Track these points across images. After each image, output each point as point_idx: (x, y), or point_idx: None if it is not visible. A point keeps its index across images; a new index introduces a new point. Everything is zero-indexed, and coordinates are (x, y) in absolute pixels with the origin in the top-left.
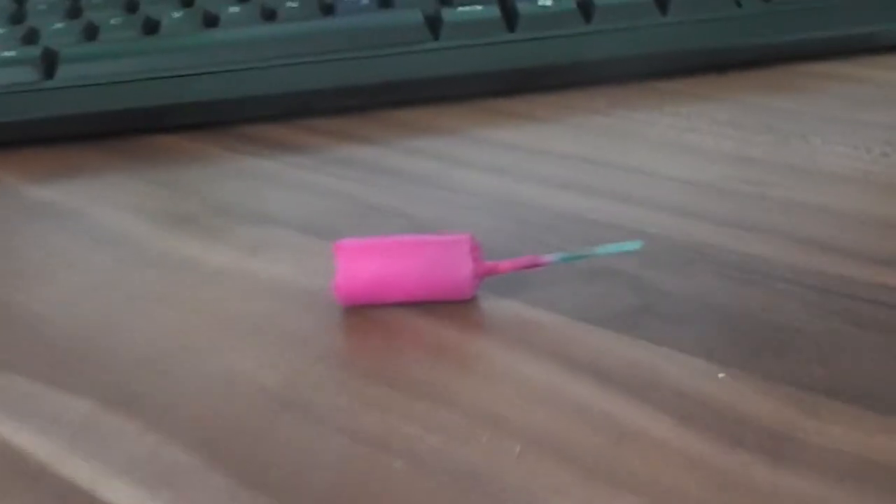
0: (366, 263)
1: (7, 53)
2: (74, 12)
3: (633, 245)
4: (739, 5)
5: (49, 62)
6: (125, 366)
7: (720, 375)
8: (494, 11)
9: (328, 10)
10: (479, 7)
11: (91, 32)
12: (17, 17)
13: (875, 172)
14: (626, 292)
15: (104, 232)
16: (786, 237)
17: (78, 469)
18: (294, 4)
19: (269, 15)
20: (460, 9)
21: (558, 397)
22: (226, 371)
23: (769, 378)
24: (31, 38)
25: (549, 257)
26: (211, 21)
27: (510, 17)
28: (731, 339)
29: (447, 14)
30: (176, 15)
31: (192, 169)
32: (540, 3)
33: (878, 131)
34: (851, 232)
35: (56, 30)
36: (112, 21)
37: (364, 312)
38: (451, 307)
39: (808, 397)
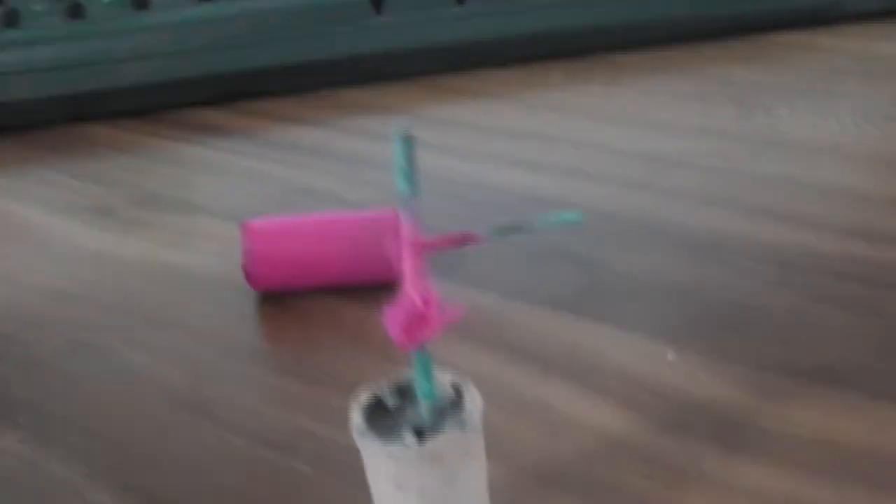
0: (278, 244)
1: None
2: None
3: (572, 216)
4: None
5: None
6: (6, 367)
7: (669, 356)
8: None
9: None
10: None
11: (12, 18)
12: None
13: (845, 144)
14: (572, 271)
15: (14, 227)
16: (747, 210)
17: None
18: None
19: None
20: None
21: (493, 385)
22: (124, 370)
23: (724, 359)
24: None
25: (482, 232)
26: (140, 3)
27: None
28: (683, 318)
29: None
30: None
31: (118, 159)
32: None
33: (848, 102)
34: (817, 204)
35: None
36: (35, 7)
37: (282, 300)
38: (378, 291)
39: (766, 378)
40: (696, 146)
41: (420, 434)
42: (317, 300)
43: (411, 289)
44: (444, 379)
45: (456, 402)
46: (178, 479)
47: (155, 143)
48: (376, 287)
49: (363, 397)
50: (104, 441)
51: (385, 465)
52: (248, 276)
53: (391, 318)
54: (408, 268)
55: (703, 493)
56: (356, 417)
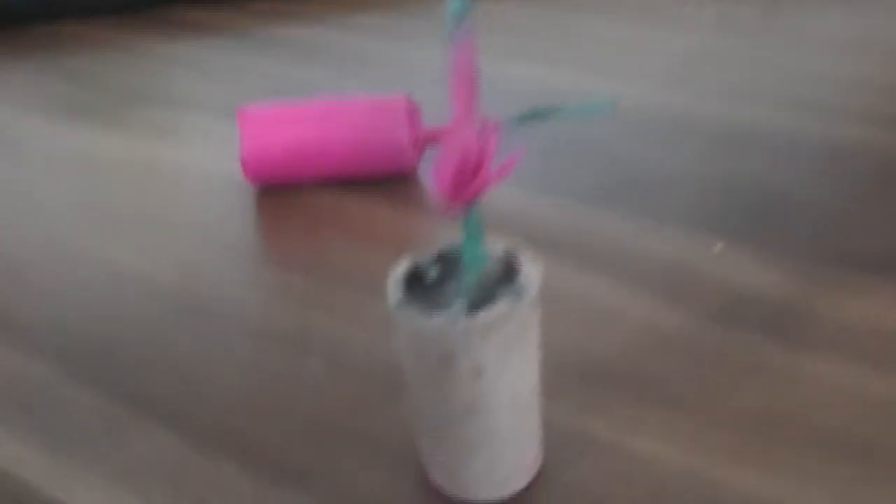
0: (278, 132)
1: None
2: None
3: (605, 103)
4: None
5: None
6: None
7: (716, 249)
8: None
9: None
10: None
11: None
12: None
13: (876, 39)
14: (602, 166)
15: None
16: (780, 102)
17: None
18: None
19: None
20: None
21: None
22: (110, 272)
23: (773, 249)
24: None
25: (502, 118)
26: None
27: None
28: (726, 210)
29: None
30: None
31: (96, 57)
32: None
33: None
34: (855, 96)
35: None
36: None
37: (282, 195)
38: (386, 184)
39: (818, 269)
40: (718, 41)
41: (470, 306)
42: (321, 194)
43: (465, 131)
44: (495, 247)
45: (509, 275)
46: (173, 382)
47: (135, 41)
48: (386, 180)
49: (400, 268)
50: (88, 343)
51: (429, 341)
52: (245, 167)
53: (438, 167)
54: (459, 105)
55: (766, 386)
56: (393, 288)
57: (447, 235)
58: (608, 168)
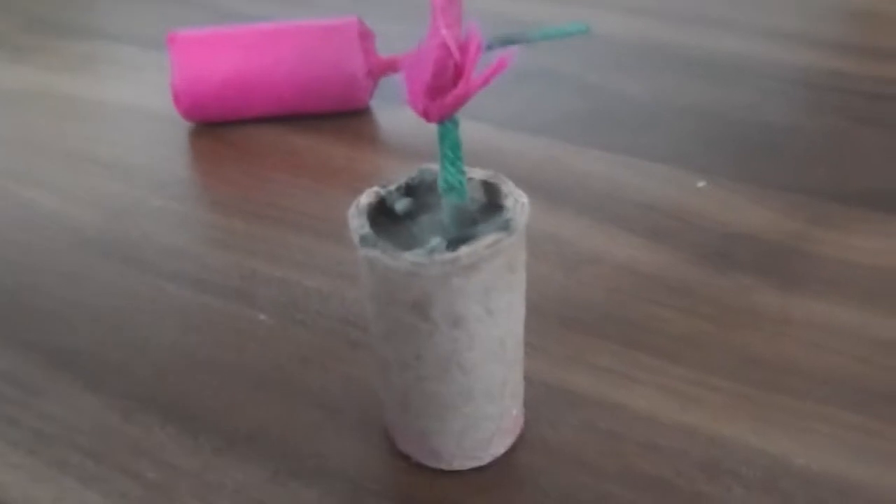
0: (214, 60)
1: None
2: None
3: (578, 27)
4: None
5: None
6: None
7: (700, 184)
8: None
9: None
10: None
11: None
12: None
13: None
14: (572, 96)
15: None
16: (760, 31)
17: None
18: None
19: None
20: None
21: None
22: (25, 214)
23: (763, 184)
24: None
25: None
26: None
27: None
28: (708, 143)
29: None
30: None
31: None
32: None
33: None
34: (839, 24)
35: None
36: None
37: (220, 132)
38: (336, 121)
39: (814, 202)
40: None
41: (449, 243)
42: (264, 131)
43: (443, 30)
44: (473, 175)
45: (490, 208)
46: (96, 338)
47: None
48: (338, 115)
49: (363, 199)
50: (1, 293)
51: (399, 284)
52: (178, 101)
53: (411, 74)
54: (438, 6)
55: (760, 331)
56: (356, 221)
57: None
58: (581, 99)
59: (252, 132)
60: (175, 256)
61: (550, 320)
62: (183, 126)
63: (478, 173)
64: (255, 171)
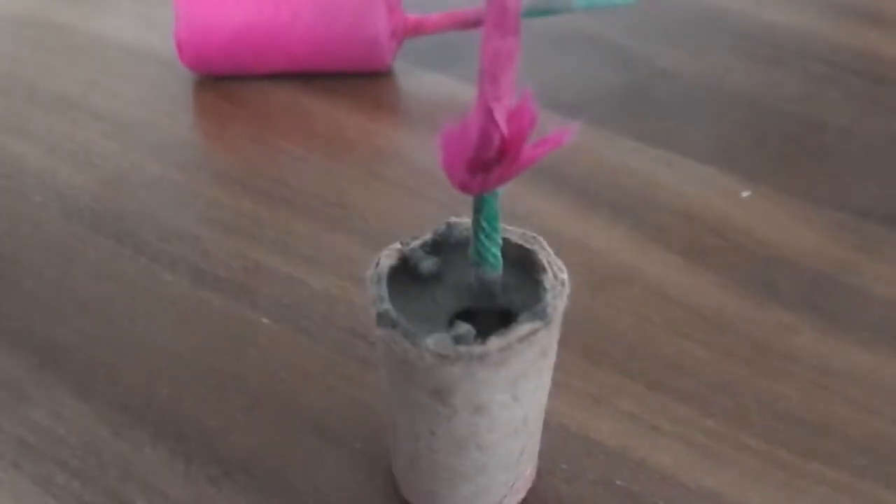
0: (224, 8)
1: None
2: None
3: None
4: None
5: None
6: None
7: (744, 194)
8: None
9: None
10: None
11: None
12: None
13: None
14: (611, 70)
15: None
16: (823, 5)
17: None
18: None
19: None
20: None
21: (513, 219)
22: (15, 170)
23: (810, 198)
24: None
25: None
26: None
27: None
28: (756, 139)
29: None
30: None
31: None
32: None
33: None
34: None
35: None
36: None
37: (227, 87)
38: (354, 82)
39: (864, 226)
40: None
41: (476, 317)
42: (274, 89)
43: (491, 96)
44: (508, 236)
45: (523, 274)
46: (88, 328)
47: None
48: (356, 76)
49: (384, 261)
50: None
51: (421, 369)
52: (182, 50)
53: (450, 142)
54: (487, 62)
55: (798, 380)
56: (375, 291)
57: (431, 154)
58: (620, 75)
59: (262, 90)
60: (174, 238)
61: (574, 351)
62: (187, 76)
63: (513, 235)
64: (263, 137)
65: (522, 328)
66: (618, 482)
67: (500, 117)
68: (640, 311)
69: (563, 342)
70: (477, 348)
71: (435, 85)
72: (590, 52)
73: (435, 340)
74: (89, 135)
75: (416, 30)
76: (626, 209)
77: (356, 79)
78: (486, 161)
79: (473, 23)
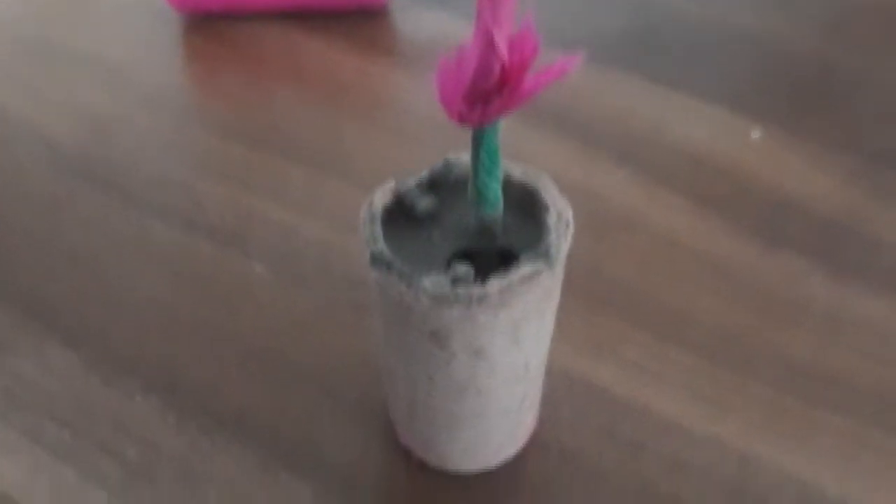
0: None
1: None
2: None
3: None
4: None
5: None
6: None
7: (754, 135)
8: None
9: None
10: None
11: None
12: None
13: None
14: (617, 9)
15: None
16: None
17: None
18: None
19: None
20: None
21: (516, 158)
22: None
23: (822, 142)
24: None
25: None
26: None
27: None
28: (767, 82)
29: None
30: None
31: None
32: None
33: None
34: None
35: None
36: None
37: (218, 28)
38: (349, 21)
39: (877, 172)
40: None
41: (476, 258)
42: (266, 29)
43: (490, 22)
44: (510, 172)
45: (526, 215)
46: (74, 282)
47: None
48: (351, 14)
49: (378, 200)
50: None
51: (418, 312)
52: None
53: (447, 73)
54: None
55: (808, 329)
56: (369, 230)
57: (429, 98)
58: (626, 18)
59: (254, 30)
60: (164, 187)
61: (578, 298)
62: (177, 19)
63: (516, 171)
64: (256, 81)
65: (524, 269)
66: (621, 430)
67: (501, 44)
68: (645, 258)
69: (567, 288)
70: (476, 290)
71: (433, 23)
72: None
73: (432, 282)
74: (76, 82)
75: None
76: (632, 153)
77: (352, 18)
78: (486, 91)
79: None
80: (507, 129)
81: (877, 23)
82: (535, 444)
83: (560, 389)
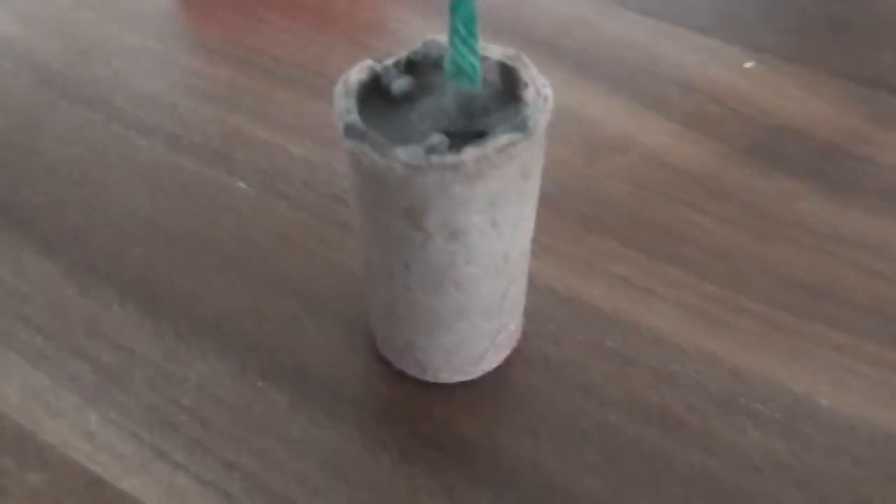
0: None
1: None
2: None
3: None
4: None
5: None
6: None
7: (747, 65)
8: None
9: None
10: None
11: None
12: None
13: None
14: None
15: None
16: None
17: None
18: None
19: None
20: None
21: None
22: None
23: (818, 68)
24: None
25: None
26: None
27: None
28: (761, 11)
29: None
30: None
31: None
32: None
33: None
34: None
35: None
36: None
37: None
38: None
39: (874, 95)
40: None
41: (453, 137)
42: None
43: None
44: (488, 52)
45: (505, 94)
46: (52, 191)
47: None
48: None
49: (353, 76)
50: None
51: (390, 187)
52: None
53: None
54: None
55: (803, 246)
56: (342, 104)
57: (421, 27)
58: None
59: None
60: (148, 105)
61: (566, 216)
62: None
63: (494, 52)
64: (247, 7)
65: (500, 139)
66: (608, 344)
67: None
68: (637, 179)
69: (557, 209)
70: (450, 158)
71: None
72: None
73: (406, 151)
74: (63, 3)
75: None
76: (624, 80)
77: None
78: None
79: None
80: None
81: None
82: (519, 356)
83: (546, 305)
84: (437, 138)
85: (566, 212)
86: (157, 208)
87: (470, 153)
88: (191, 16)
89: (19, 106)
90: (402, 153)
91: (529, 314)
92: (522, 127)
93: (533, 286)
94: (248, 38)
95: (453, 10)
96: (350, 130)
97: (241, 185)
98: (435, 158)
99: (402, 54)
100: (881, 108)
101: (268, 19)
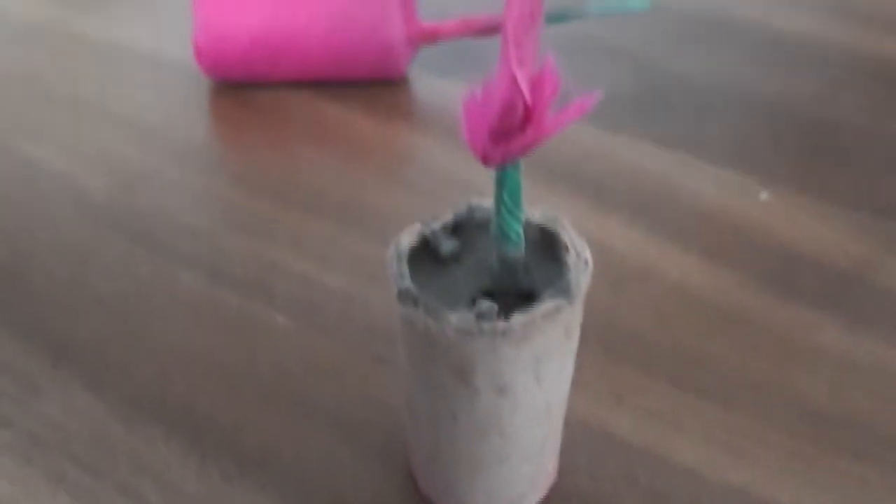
0: (241, 15)
1: None
2: None
3: (639, 2)
4: None
5: None
6: None
7: (762, 196)
8: None
9: None
10: None
11: None
12: None
13: None
14: (626, 74)
15: None
16: (837, 10)
17: None
18: None
19: None
20: None
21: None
22: (25, 171)
23: (828, 199)
24: None
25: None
26: None
27: None
28: (773, 143)
29: None
30: None
31: None
32: None
33: None
34: None
35: None
36: None
37: (244, 93)
38: (369, 89)
39: (883, 225)
40: None
41: (498, 297)
42: (290, 95)
43: (514, 65)
44: (530, 218)
45: (545, 255)
46: (102, 325)
47: None
48: (372, 84)
49: (404, 240)
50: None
51: (443, 347)
52: (200, 56)
53: (473, 111)
54: (510, 27)
55: (823, 377)
56: (396, 269)
57: (446, 158)
58: (636, 79)
59: (278, 96)
60: (189, 238)
61: (594, 349)
62: (205, 83)
63: (535, 216)
64: (279, 142)
65: (546, 304)
66: (641, 479)
67: (524, 83)
68: (660, 310)
69: (584, 340)
70: (500, 324)
71: (449, 90)
72: (603, 59)
73: (458, 317)
74: (108, 140)
75: (431, 37)
76: (644, 210)
77: (371, 85)
78: (509, 129)
79: (488, 30)
80: (524, 188)
81: (880, 81)
82: (556, 493)
83: (579, 439)
84: (486, 305)
85: (593, 343)
86: (199, 342)
87: (518, 320)
88: (226, 148)
89: (66, 240)
90: (455, 319)
91: (564, 449)
92: (566, 292)
93: (567, 422)
94: (282, 170)
95: (500, 183)
96: (404, 296)
97: (280, 318)
98: (485, 324)
99: (448, 217)
100: (890, 237)
101: (299, 152)
